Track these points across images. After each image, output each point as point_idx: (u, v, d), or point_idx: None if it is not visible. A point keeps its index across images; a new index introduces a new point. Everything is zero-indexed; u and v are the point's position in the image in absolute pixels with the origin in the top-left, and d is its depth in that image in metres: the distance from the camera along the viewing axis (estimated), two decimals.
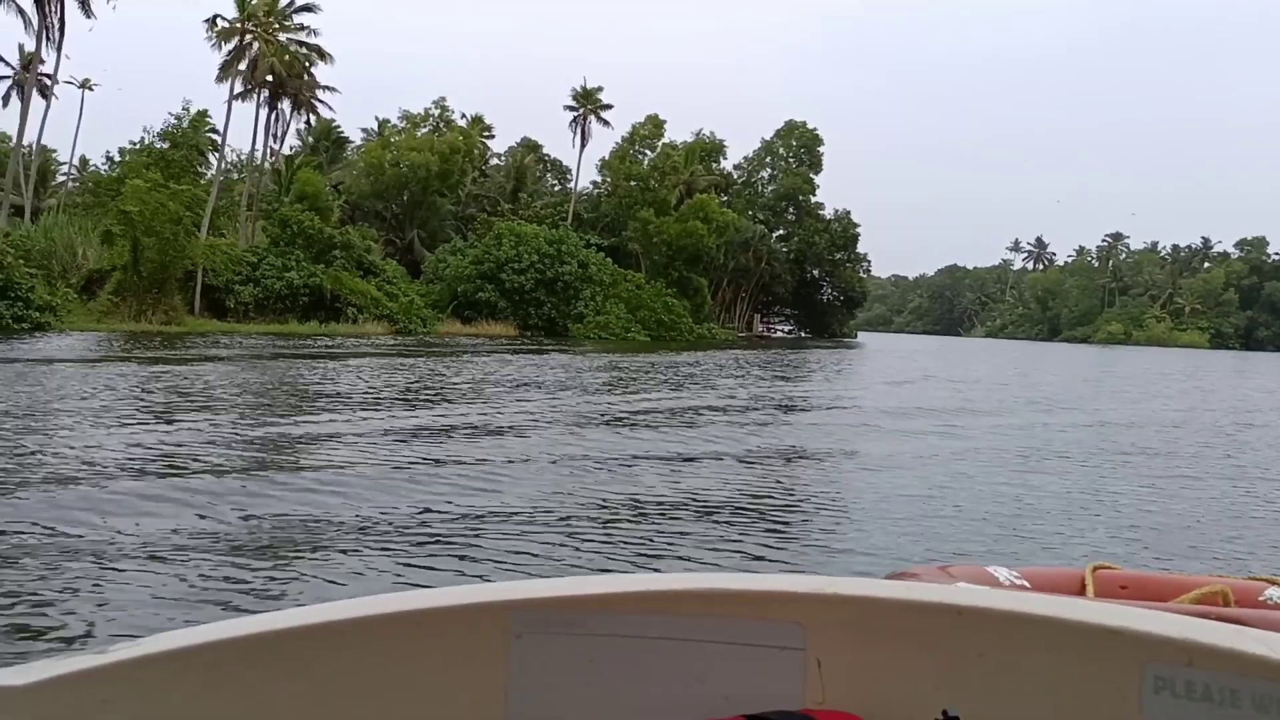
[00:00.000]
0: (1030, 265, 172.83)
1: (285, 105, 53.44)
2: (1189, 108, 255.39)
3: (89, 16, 50.56)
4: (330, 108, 59.10)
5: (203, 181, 46.59)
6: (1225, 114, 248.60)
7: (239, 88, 49.91)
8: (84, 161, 69.37)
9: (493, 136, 75.28)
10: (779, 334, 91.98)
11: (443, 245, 61.10)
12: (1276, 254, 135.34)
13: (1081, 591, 3.39)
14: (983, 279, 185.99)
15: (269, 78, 50.53)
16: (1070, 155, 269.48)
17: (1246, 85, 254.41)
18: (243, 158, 61.60)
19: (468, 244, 57.77)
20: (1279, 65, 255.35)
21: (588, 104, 66.45)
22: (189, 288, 40.59)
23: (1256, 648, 0.73)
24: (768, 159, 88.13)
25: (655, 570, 5.95)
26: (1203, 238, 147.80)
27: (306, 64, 52.79)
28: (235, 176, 61.80)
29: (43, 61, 55.89)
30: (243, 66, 50.14)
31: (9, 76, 59.92)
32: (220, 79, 49.08)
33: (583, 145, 68.03)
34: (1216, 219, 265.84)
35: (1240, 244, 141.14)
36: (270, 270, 43.30)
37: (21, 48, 56.68)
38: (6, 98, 60.75)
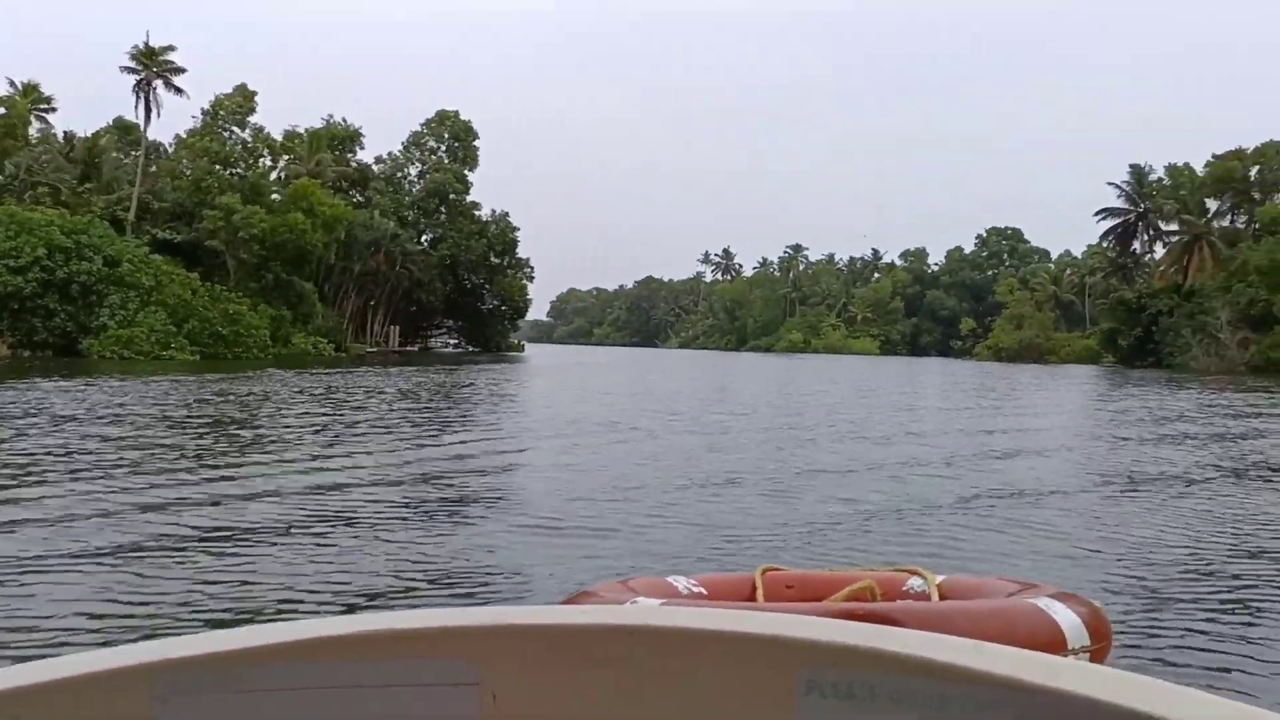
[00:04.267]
0: (719, 276, 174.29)
1: None
2: (858, 138, 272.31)
3: None
4: None
5: None
6: (890, 141, 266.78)
7: None
8: None
9: (54, 110, 60.66)
10: (449, 348, 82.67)
11: None
12: (935, 264, 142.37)
13: (753, 594, 3.52)
14: (677, 291, 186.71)
15: None
16: (759, 173, 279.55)
17: (911, 116, 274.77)
18: None
19: None
20: (931, 100, 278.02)
21: (153, 66, 53.71)
22: None
23: (891, 645, 0.78)
24: (416, 152, 78.65)
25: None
26: (873, 249, 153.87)
27: None
28: None
29: None
30: None
31: None
32: None
33: (147, 118, 55.17)
34: (886, 231, 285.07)
35: (905, 255, 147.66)
36: None
37: None
38: None
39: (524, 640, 0.92)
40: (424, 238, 76.75)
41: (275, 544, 7.36)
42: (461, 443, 14.72)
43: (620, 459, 12.88)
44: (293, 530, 7.88)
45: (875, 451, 14.53)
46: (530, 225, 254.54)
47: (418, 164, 78.77)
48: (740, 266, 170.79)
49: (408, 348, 71.57)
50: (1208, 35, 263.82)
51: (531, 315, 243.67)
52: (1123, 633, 4.65)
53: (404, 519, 8.64)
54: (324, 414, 18.82)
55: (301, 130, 69.60)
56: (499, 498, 10.14)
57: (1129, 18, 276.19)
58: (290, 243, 52.20)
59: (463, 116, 78.77)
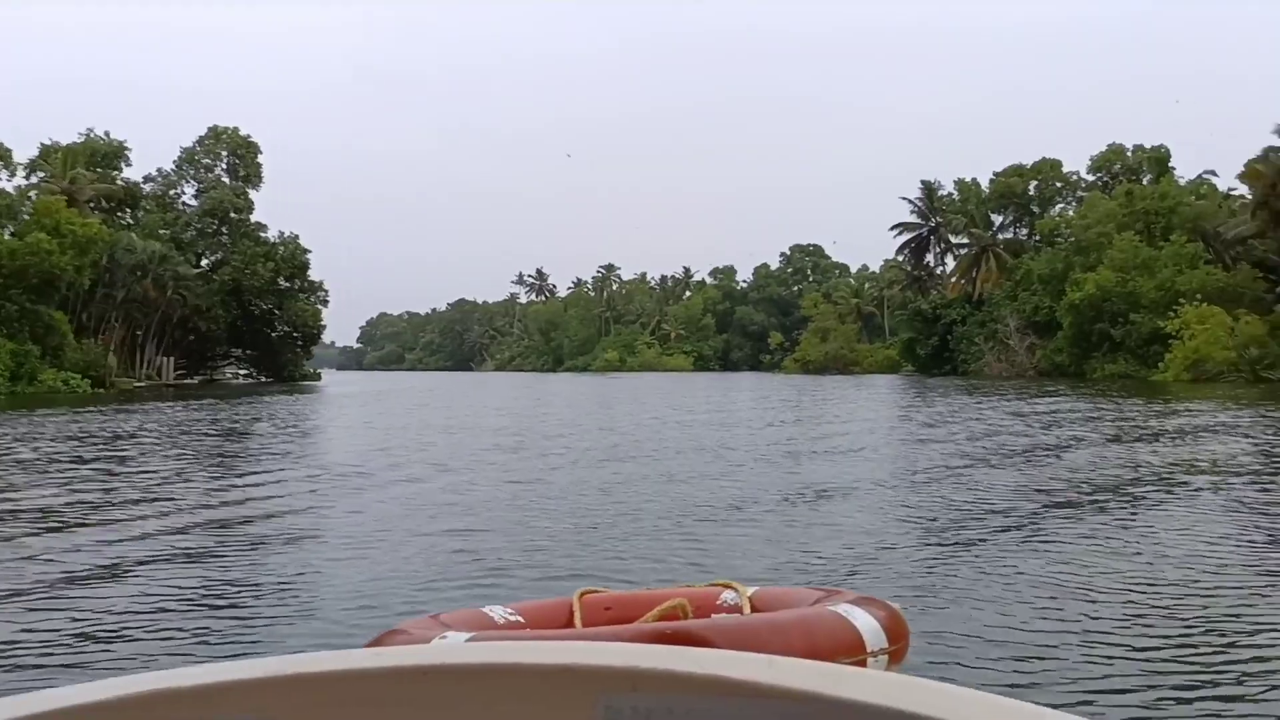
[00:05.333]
0: (534, 297, 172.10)
1: None
2: (668, 164, 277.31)
3: None
4: None
5: None
6: (697, 164, 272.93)
7: None
8: None
9: None
10: (239, 379, 76.39)
11: None
12: (744, 281, 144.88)
13: (570, 619, 3.54)
14: (492, 312, 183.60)
15: None
16: (573, 198, 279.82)
17: (719, 140, 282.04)
18: None
19: None
20: (738, 126, 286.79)
21: None
22: None
23: (687, 665, 0.79)
24: (190, 170, 72.61)
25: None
26: (684, 267, 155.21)
27: None
28: None
29: None
30: None
31: None
32: None
33: None
34: (695, 251, 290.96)
35: (714, 272, 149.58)
36: None
37: None
38: None
39: (315, 689, 0.87)
40: (204, 261, 70.80)
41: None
42: (223, 489, 12.45)
43: (425, 493, 11.94)
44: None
45: (694, 465, 14.33)
46: (338, 250, 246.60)
47: (194, 183, 72.76)
48: (554, 287, 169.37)
49: (186, 380, 65.32)
50: (990, 64, 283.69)
51: (341, 341, 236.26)
52: (926, 631, 4.98)
53: (166, 573, 7.49)
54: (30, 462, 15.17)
55: (62, 144, 63.03)
56: (291, 542, 8.97)
57: (923, 60, 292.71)
58: (33, 267, 46.25)
59: (242, 132, 73.36)
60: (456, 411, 32.98)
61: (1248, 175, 55.28)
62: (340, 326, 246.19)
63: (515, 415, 30.97)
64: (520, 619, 3.56)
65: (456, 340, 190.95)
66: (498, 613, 3.58)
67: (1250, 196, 56.30)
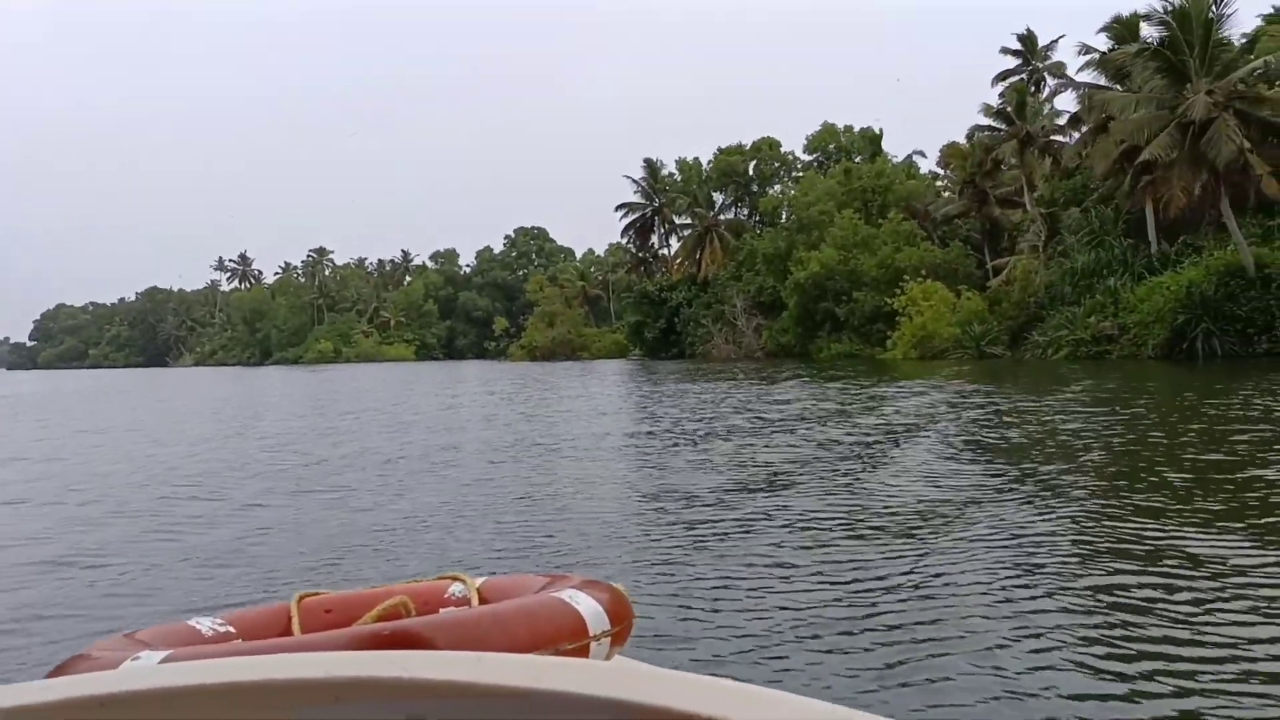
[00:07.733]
0: (237, 284, 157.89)
1: None
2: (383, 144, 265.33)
3: None
4: None
5: None
6: (410, 149, 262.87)
7: None
8: None
9: None
10: None
11: None
12: (467, 265, 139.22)
13: (288, 626, 3.28)
14: (189, 301, 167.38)
15: None
16: (277, 176, 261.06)
17: (430, 122, 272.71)
18: None
19: None
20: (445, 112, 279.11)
21: None
22: None
23: (392, 671, 0.77)
24: None
25: None
26: (403, 251, 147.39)
27: None
28: None
29: None
30: None
31: None
32: None
33: None
34: (414, 233, 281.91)
35: (435, 256, 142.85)
36: None
37: None
38: None
39: None
40: None
41: None
42: None
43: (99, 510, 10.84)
44: None
45: (420, 469, 13.60)
46: (8, 230, 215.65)
47: None
48: (260, 273, 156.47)
49: None
50: (712, 47, 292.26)
51: (16, 337, 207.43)
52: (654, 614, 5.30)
53: None
54: None
55: None
56: None
57: (644, 41, 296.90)
58: None
59: None
60: (52, 428, 25.72)
61: (951, 155, 56.77)
62: (12, 320, 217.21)
63: (215, 421, 24.56)
64: (231, 629, 3.16)
65: (149, 333, 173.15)
66: (205, 624, 3.16)
67: (949, 178, 58.02)
